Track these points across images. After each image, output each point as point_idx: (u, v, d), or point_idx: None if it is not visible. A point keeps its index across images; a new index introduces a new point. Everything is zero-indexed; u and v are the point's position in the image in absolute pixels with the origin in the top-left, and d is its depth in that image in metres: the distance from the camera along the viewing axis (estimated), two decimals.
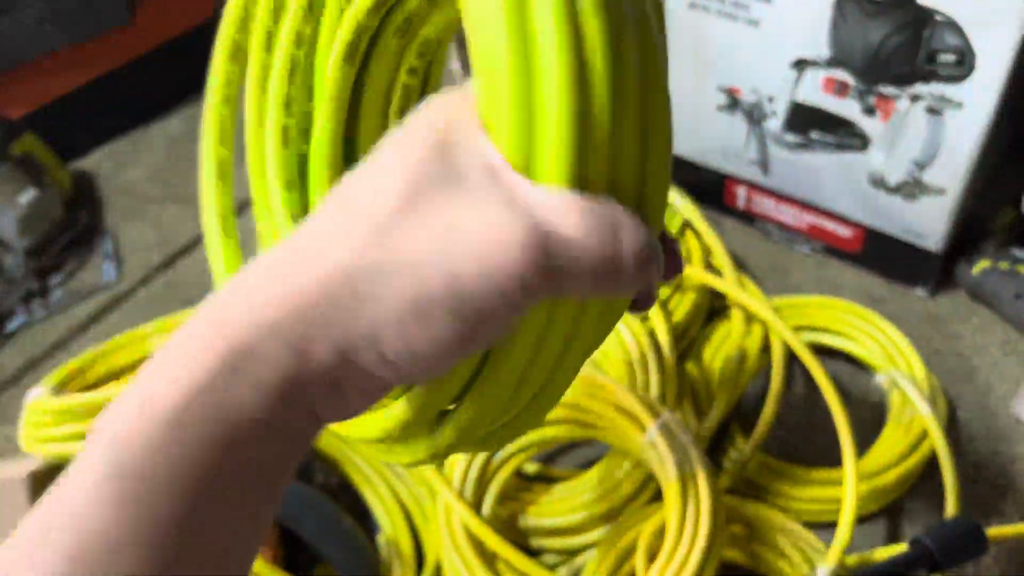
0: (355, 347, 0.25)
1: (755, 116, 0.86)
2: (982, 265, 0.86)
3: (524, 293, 0.25)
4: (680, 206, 0.94)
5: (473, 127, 0.26)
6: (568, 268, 0.25)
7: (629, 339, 0.79)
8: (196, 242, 1.12)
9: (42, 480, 0.78)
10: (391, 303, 0.24)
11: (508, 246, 0.24)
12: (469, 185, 0.25)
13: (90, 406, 0.76)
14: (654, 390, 0.76)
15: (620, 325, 0.78)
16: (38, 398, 0.80)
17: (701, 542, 0.62)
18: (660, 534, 0.66)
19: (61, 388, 0.83)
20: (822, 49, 0.78)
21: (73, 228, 1.12)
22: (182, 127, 1.31)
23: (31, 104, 1.17)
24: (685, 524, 0.63)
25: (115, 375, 0.88)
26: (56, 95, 1.19)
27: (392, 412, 0.32)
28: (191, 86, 1.35)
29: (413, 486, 0.77)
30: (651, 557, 0.65)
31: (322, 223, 0.27)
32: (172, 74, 1.31)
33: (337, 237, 0.26)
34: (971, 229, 0.90)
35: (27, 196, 1.04)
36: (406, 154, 0.26)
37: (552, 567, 0.71)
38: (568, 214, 0.25)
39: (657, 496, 0.71)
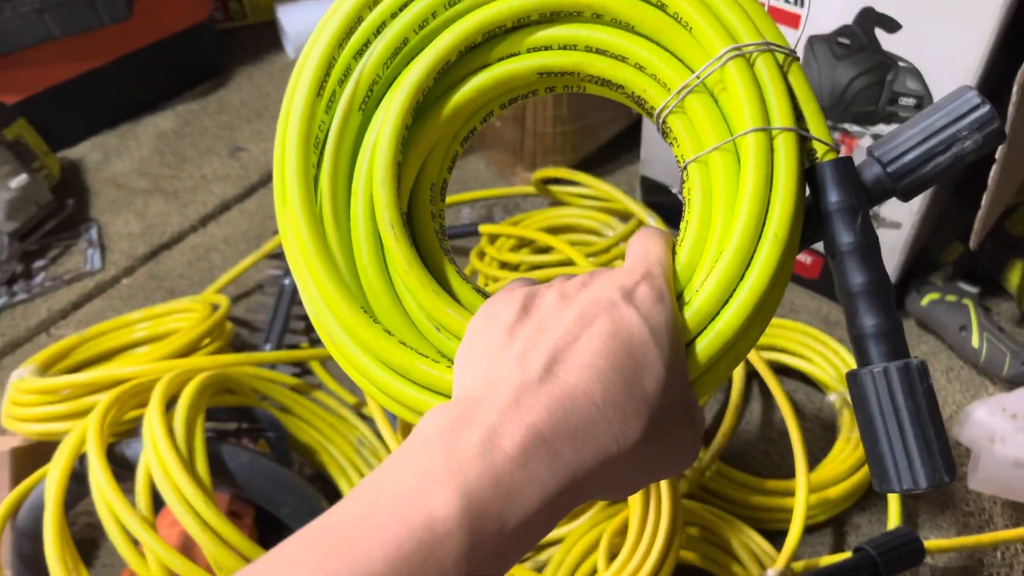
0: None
1: None
2: (931, 297, 0.92)
3: None
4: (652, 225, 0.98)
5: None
6: None
7: None
8: (180, 235, 1.14)
9: (23, 456, 0.79)
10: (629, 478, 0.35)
11: (694, 458, 0.37)
12: (679, 413, 0.35)
13: (73, 387, 0.78)
14: None
15: None
16: (22, 378, 0.81)
17: (660, 542, 0.66)
18: (622, 532, 0.70)
19: (44, 369, 0.85)
20: None
21: (59, 215, 1.13)
22: (172, 123, 1.33)
23: (25, 91, 1.18)
24: (646, 525, 0.67)
25: (98, 359, 0.89)
26: (50, 84, 1.21)
27: None
28: (183, 83, 1.39)
29: None
30: (612, 555, 0.69)
31: (597, 409, 0.32)
32: (165, 71, 1.34)
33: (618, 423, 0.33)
34: (921, 262, 0.96)
35: (17, 180, 1.05)
36: (645, 391, 0.34)
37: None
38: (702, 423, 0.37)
39: None
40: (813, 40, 0.78)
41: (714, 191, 0.39)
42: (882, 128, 0.80)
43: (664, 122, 0.41)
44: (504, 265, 1.01)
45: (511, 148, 1.15)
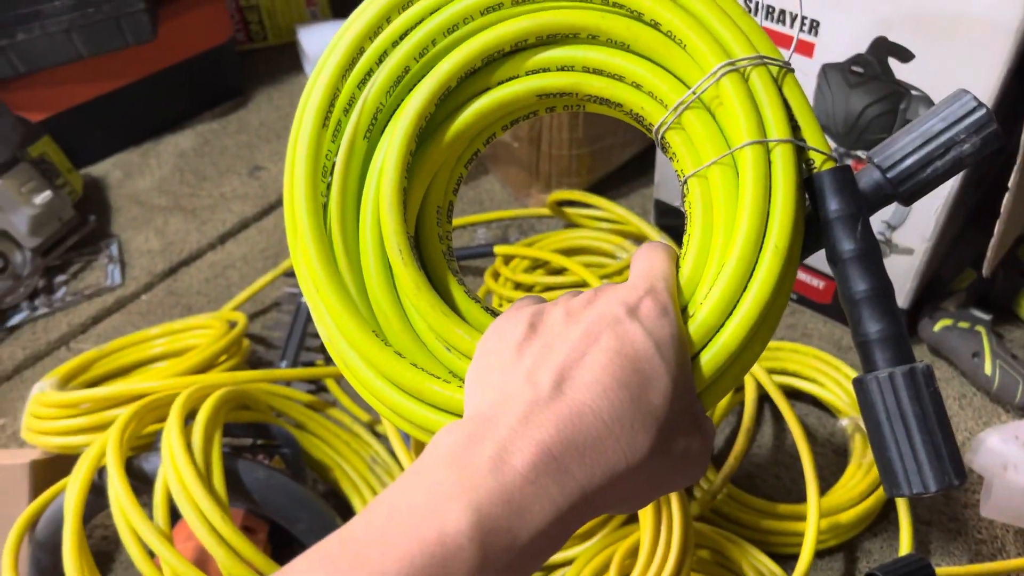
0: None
1: None
2: (943, 323, 0.92)
3: None
4: None
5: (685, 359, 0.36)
6: None
7: None
8: (199, 252, 1.16)
9: (42, 469, 0.80)
10: (638, 491, 0.35)
11: (704, 469, 0.37)
12: (687, 425, 0.35)
13: (93, 401, 0.79)
14: None
15: None
16: (42, 391, 0.82)
17: (671, 565, 0.66)
18: (633, 554, 0.70)
19: (65, 383, 0.86)
20: None
21: (81, 231, 1.15)
22: (192, 142, 1.35)
23: (51, 109, 1.21)
24: (657, 546, 0.67)
25: (117, 374, 0.91)
26: (75, 103, 1.23)
27: None
28: (204, 103, 1.41)
29: None
30: (624, 575, 0.69)
31: (605, 427, 0.32)
32: (187, 91, 1.37)
33: (628, 438, 0.33)
34: (934, 288, 0.96)
35: (42, 197, 1.07)
36: (655, 408, 0.34)
37: None
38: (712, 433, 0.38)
39: (632, 518, 0.75)
40: (827, 68, 0.79)
41: (714, 204, 0.40)
42: None
43: (663, 138, 0.42)
44: (519, 286, 1.02)
45: (527, 170, 1.16)
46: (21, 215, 1.06)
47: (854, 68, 0.78)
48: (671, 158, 0.42)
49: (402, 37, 0.42)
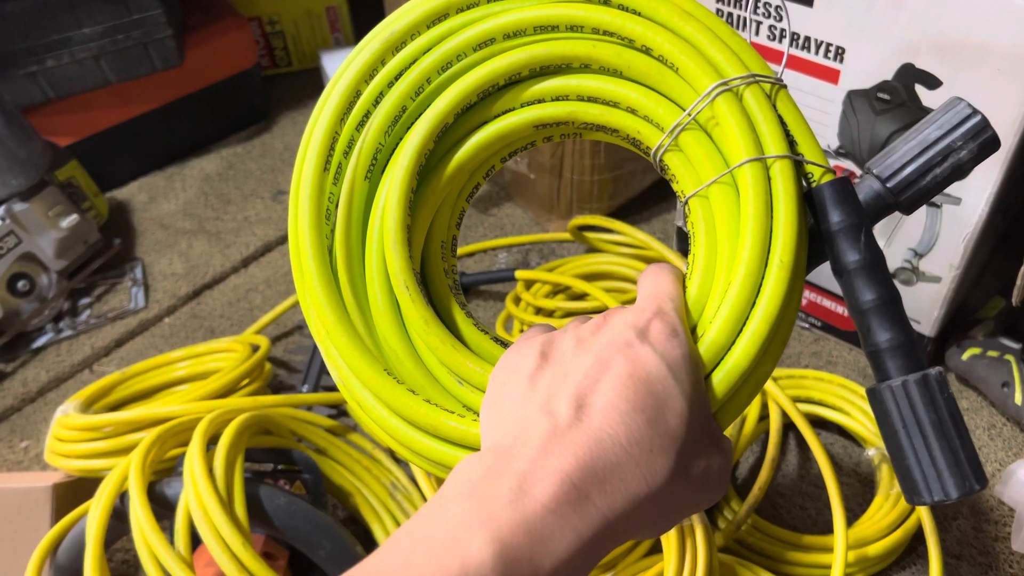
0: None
1: None
2: (972, 352, 0.91)
3: None
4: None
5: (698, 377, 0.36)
6: None
7: None
8: (222, 275, 1.17)
9: (64, 492, 0.81)
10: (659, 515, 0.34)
11: (725, 486, 0.37)
12: (705, 444, 0.35)
13: (116, 424, 0.79)
14: None
15: None
16: (66, 414, 0.83)
17: None
18: None
19: (88, 406, 0.86)
20: (831, 140, 0.84)
21: (106, 254, 1.16)
22: (217, 166, 1.37)
23: (79, 134, 1.23)
24: None
25: (140, 397, 0.91)
26: (102, 128, 1.25)
27: None
28: (229, 128, 1.43)
29: None
30: None
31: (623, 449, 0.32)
32: (212, 115, 1.38)
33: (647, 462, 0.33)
34: (962, 316, 0.95)
35: (68, 220, 1.08)
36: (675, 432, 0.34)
37: None
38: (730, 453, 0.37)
39: (656, 547, 0.74)
40: (852, 95, 0.79)
41: (717, 224, 0.40)
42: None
43: (661, 160, 0.42)
44: (539, 311, 1.02)
45: (548, 196, 1.16)
46: (48, 238, 1.07)
47: (880, 95, 0.77)
48: (671, 180, 0.42)
49: (397, 77, 0.43)
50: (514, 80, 0.43)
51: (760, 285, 0.37)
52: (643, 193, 1.20)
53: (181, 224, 1.26)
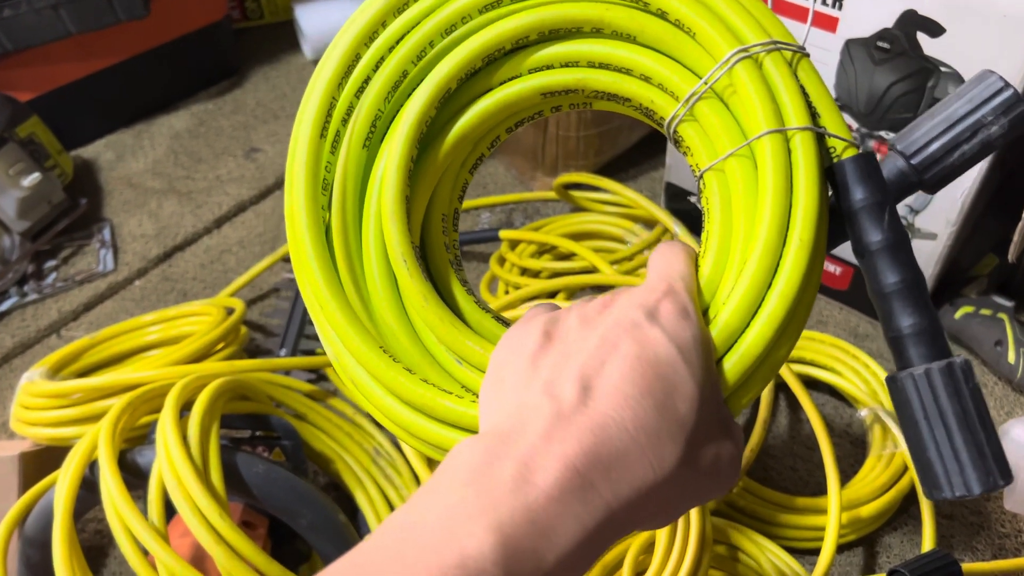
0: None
1: None
2: (965, 310, 0.90)
3: None
4: (678, 234, 0.96)
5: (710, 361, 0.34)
6: None
7: None
8: (194, 237, 1.13)
9: (32, 461, 0.78)
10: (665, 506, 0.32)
11: (736, 476, 0.35)
12: (715, 431, 0.33)
13: (85, 391, 0.76)
14: None
15: None
16: (32, 381, 0.80)
17: (689, 561, 0.64)
18: (648, 549, 0.67)
19: (55, 372, 0.83)
20: None
21: (72, 214, 1.12)
22: (187, 123, 1.32)
23: (39, 88, 1.17)
24: (674, 542, 0.65)
25: (110, 362, 0.88)
26: (65, 82, 1.19)
27: None
28: (199, 83, 1.37)
29: (403, 489, 0.78)
30: (638, 573, 0.66)
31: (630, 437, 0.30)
32: (181, 70, 1.33)
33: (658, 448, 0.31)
34: (955, 274, 0.93)
35: (30, 179, 1.04)
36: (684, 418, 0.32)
37: None
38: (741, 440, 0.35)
39: None
40: (850, 44, 0.76)
41: (733, 199, 0.38)
42: None
43: (675, 132, 0.40)
44: (525, 271, 0.99)
45: (532, 152, 1.13)
46: (8, 197, 1.03)
47: (880, 44, 0.74)
48: (685, 153, 0.40)
49: (399, 41, 0.40)
50: (521, 45, 0.41)
51: (777, 265, 0.35)
52: (631, 149, 1.17)
53: (150, 183, 1.21)
